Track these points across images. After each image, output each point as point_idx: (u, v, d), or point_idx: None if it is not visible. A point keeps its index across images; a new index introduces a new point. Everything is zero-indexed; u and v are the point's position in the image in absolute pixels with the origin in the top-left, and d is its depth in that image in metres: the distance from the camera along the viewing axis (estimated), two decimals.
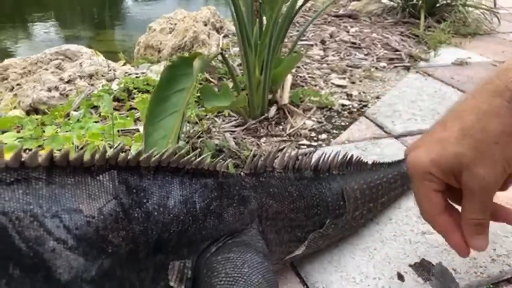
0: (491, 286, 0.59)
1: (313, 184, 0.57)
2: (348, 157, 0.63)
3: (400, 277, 0.60)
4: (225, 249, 0.47)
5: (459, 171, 0.45)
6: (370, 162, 0.68)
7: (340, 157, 0.62)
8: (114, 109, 1.07)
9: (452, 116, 0.47)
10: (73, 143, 0.81)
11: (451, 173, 0.46)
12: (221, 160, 0.51)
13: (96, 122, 0.97)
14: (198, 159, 0.48)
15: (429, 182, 0.48)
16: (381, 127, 1.04)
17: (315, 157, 0.61)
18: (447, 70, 1.45)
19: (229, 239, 0.48)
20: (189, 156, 0.47)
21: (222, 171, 0.50)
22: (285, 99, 1.07)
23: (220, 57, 1.13)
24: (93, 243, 0.39)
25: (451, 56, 1.57)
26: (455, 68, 1.48)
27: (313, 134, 1.01)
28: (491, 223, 0.71)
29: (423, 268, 0.61)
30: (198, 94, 0.83)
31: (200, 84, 0.98)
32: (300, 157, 0.59)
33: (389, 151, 0.93)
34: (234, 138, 0.91)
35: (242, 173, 0.53)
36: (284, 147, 0.93)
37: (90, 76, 1.20)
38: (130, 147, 0.83)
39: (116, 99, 1.11)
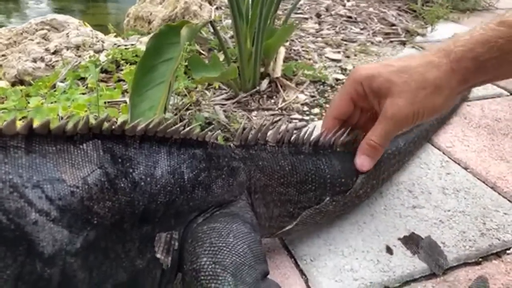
0: (480, 259, 0.59)
1: (310, 159, 0.55)
2: (356, 134, 0.60)
3: (389, 250, 0.59)
4: (211, 219, 0.46)
5: (384, 95, 0.52)
6: None
7: (345, 134, 0.59)
8: (102, 80, 1.04)
9: (411, 55, 0.55)
10: (58, 114, 0.79)
11: (377, 93, 0.53)
12: (210, 131, 0.49)
13: (83, 94, 0.94)
14: (187, 129, 0.46)
15: (353, 90, 0.55)
16: None
17: (317, 132, 0.59)
18: None
19: (217, 210, 0.47)
20: (176, 125, 0.45)
21: (211, 142, 0.49)
22: (278, 72, 1.04)
23: (211, 29, 1.10)
24: (77, 214, 0.37)
25: (448, 31, 1.54)
26: None
27: (305, 108, 0.99)
28: (482, 194, 0.71)
29: (412, 241, 0.61)
30: (187, 65, 0.81)
31: (190, 55, 0.95)
32: (297, 131, 0.57)
33: None
34: (224, 111, 0.89)
35: (231, 145, 0.52)
36: (279, 120, 0.91)
37: (77, 47, 1.16)
38: (116, 118, 0.81)
39: (104, 70, 1.08)
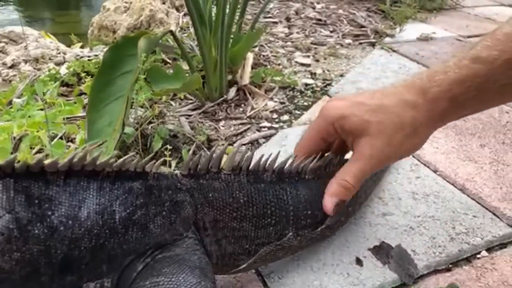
0: (450, 265, 0.58)
1: (271, 189, 0.49)
2: (329, 158, 0.54)
3: (359, 261, 0.58)
4: (154, 271, 0.40)
5: (359, 135, 0.48)
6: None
7: (316, 159, 0.53)
8: (62, 95, 1.00)
9: (383, 91, 0.50)
10: (9, 134, 0.75)
11: (351, 133, 0.49)
12: (153, 160, 0.44)
13: (41, 109, 0.90)
14: (121, 160, 0.41)
15: (324, 130, 0.52)
16: None
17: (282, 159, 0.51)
18: (412, 46, 1.43)
19: (159, 252, 0.42)
20: (108, 157, 0.40)
21: (152, 172, 0.43)
22: (246, 80, 1.02)
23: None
24: None
25: (416, 32, 1.56)
26: (420, 44, 1.46)
27: (274, 115, 0.97)
28: (451, 197, 0.71)
29: (382, 251, 0.59)
30: (146, 77, 0.78)
31: (151, 66, 0.91)
32: (262, 158, 0.50)
33: None
34: (189, 122, 0.86)
35: (178, 174, 0.46)
36: (247, 129, 0.89)
37: (36, 60, 1.12)
38: (75, 135, 0.77)
39: (64, 84, 1.04)
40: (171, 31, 0.81)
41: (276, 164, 0.50)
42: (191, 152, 0.47)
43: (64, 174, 0.38)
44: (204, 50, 0.89)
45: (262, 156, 0.50)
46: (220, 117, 0.92)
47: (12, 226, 0.35)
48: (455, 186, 0.74)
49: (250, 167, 0.49)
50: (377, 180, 0.69)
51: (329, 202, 0.50)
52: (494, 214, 0.67)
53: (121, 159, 0.41)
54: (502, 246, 0.62)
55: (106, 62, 0.73)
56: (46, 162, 0.37)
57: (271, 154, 0.51)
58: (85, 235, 0.38)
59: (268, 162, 0.50)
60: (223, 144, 0.81)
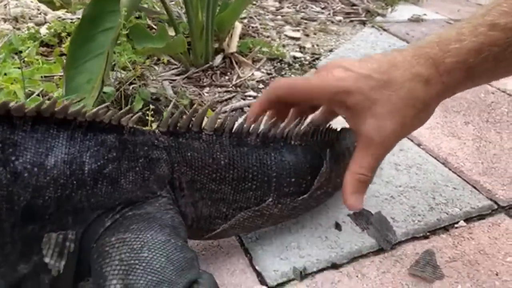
0: (428, 233, 0.58)
1: (254, 153, 0.47)
2: (316, 125, 0.52)
3: (338, 226, 0.57)
4: (121, 227, 0.39)
5: (364, 115, 0.43)
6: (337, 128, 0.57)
7: (302, 123, 0.51)
8: (42, 54, 0.96)
9: (390, 61, 0.44)
10: None
11: (353, 111, 0.44)
12: (129, 113, 0.42)
13: (19, 67, 0.86)
14: (94, 109, 0.39)
15: (318, 94, 0.46)
16: None
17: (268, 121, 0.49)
18: (403, 26, 1.42)
19: (129, 209, 0.40)
20: (81, 106, 0.38)
21: (128, 127, 0.41)
22: (233, 48, 1.00)
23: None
24: None
25: (407, 13, 1.54)
26: (411, 24, 1.45)
27: (261, 85, 0.95)
28: (433, 170, 0.71)
29: (361, 217, 0.59)
30: (128, 34, 0.75)
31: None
32: (242, 120, 0.48)
33: None
34: (173, 87, 0.84)
35: (156, 131, 0.44)
36: (232, 97, 0.87)
37: (16, 19, 1.07)
38: (53, 93, 0.75)
39: (44, 44, 1.00)
40: None
41: (261, 128, 0.48)
42: (169, 109, 0.45)
43: (32, 120, 0.36)
44: (190, 13, 0.86)
45: (245, 118, 0.48)
46: (205, 84, 0.89)
47: None
48: (438, 160, 0.74)
49: (234, 129, 0.47)
50: None
51: (353, 200, 0.46)
52: (474, 187, 0.68)
53: (95, 109, 0.39)
54: (481, 217, 0.62)
55: (86, 18, 0.70)
56: (12, 105, 0.35)
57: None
58: (50, 184, 0.36)
59: (253, 125, 0.48)
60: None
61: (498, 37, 0.40)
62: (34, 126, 0.36)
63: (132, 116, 0.42)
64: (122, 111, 0.41)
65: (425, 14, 1.54)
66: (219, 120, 0.46)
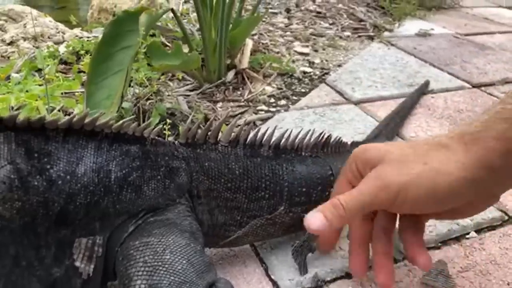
0: (440, 244, 0.59)
1: (267, 164, 0.49)
2: (325, 136, 0.54)
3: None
4: (144, 232, 0.41)
5: (375, 164, 0.42)
6: (348, 141, 0.59)
7: (315, 136, 0.53)
8: (61, 72, 1.00)
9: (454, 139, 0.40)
10: (9, 105, 0.75)
11: (369, 163, 0.43)
12: (152, 126, 0.45)
13: (39, 85, 0.90)
14: (119, 123, 0.42)
15: (349, 169, 0.45)
16: (341, 94, 1.02)
17: (279, 133, 0.51)
18: (410, 41, 1.44)
19: (151, 216, 0.43)
20: (107, 119, 0.42)
21: (150, 138, 0.44)
22: (244, 64, 1.03)
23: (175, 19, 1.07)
24: None
25: (415, 28, 1.57)
26: (418, 39, 1.47)
27: (272, 100, 0.98)
28: None
29: None
30: (146, 52, 0.78)
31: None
32: (258, 133, 0.50)
33: (347, 116, 0.91)
34: (187, 102, 0.87)
35: (176, 142, 0.47)
36: (244, 111, 0.89)
37: (35, 38, 1.12)
38: (73, 109, 0.78)
39: (63, 62, 1.04)
40: (172, 9, 0.82)
41: (273, 139, 0.51)
42: (188, 121, 0.48)
43: (64, 132, 0.39)
44: (204, 31, 0.89)
45: (259, 130, 0.50)
46: (218, 99, 0.92)
47: (14, 176, 0.36)
48: None
49: (247, 141, 0.49)
50: None
51: (311, 216, 0.43)
52: None
53: (120, 122, 0.42)
54: (491, 228, 0.63)
55: (107, 36, 0.73)
56: (47, 119, 0.38)
57: (267, 128, 0.51)
58: (81, 191, 0.39)
59: (265, 137, 0.50)
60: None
61: None
62: (65, 138, 0.39)
63: (153, 129, 0.45)
64: (143, 124, 0.44)
65: (432, 29, 1.56)
66: (233, 133, 0.49)
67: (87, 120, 0.40)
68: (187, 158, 0.46)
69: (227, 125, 0.83)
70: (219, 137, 0.48)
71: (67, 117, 0.39)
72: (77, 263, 0.39)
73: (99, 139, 0.41)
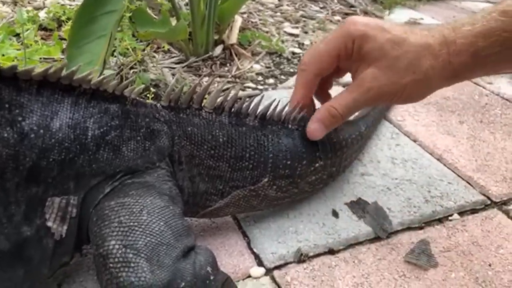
0: (423, 224, 0.59)
1: (252, 133, 0.48)
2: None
3: (335, 213, 0.58)
4: (121, 192, 0.39)
5: (368, 63, 0.46)
6: None
7: (299, 108, 0.52)
8: (41, 38, 0.95)
9: (410, 28, 0.47)
10: None
11: (362, 57, 0.46)
12: (132, 84, 0.43)
13: (17, 49, 0.85)
14: (99, 78, 0.40)
15: (344, 46, 0.47)
16: None
17: (266, 103, 0.50)
18: None
19: (128, 178, 0.41)
20: (86, 73, 0.39)
21: (131, 98, 0.42)
22: (233, 39, 1.00)
23: None
24: None
25: (404, 16, 1.57)
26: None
27: (260, 78, 0.96)
28: (428, 165, 0.72)
29: (358, 206, 0.60)
30: (131, 17, 0.75)
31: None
32: (246, 101, 0.49)
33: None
34: (172, 74, 0.84)
35: (158, 105, 0.45)
36: (232, 86, 0.87)
37: (15, 2, 1.06)
38: None
39: (43, 28, 0.99)
40: None
41: (260, 109, 0.49)
42: (172, 82, 0.45)
43: (38, 84, 0.37)
44: (193, 2, 0.86)
45: (246, 98, 0.49)
46: (204, 73, 0.90)
47: None
48: (433, 156, 0.75)
49: (233, 109, 0.48)
50: (363, 145, 0.69)
51: (314, 127, 0.48)
52: (468, 183, 0.69)
53: (100, 77, 0.40)
54: (474, 211, 0.63)
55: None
56: (20, 69, 0.35)
57: (254, 97, 0.50)
58: (55, 147, 0.37)
59: (252, 106, 0.49)
60: (205, 99, 0.80)
61: (508, 23, 0.42)
62: (40, 90, 0.37)
63: (134, 88, 0.43)
64: (125, 82, 0.42)
65: (421, 18, 1.56)
66: (219, 99, 0.47)
67: (63, 73, 0.37)
68: (169, 121, 0.44)
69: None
70: (203, 102, 0.47)
71: (42, 69, 0.36)
72: (49, 223, 0.37)
73: (77, 95, 0.39)
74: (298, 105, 0.52)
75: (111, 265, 0.35)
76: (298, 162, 0.51)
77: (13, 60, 0.69)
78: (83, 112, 0.39)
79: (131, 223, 0.37)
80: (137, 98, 0.43)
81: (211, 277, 0.38)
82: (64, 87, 0.38)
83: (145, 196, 0.39)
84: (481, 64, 0.44)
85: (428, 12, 1.72)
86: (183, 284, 0.35)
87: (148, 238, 0.36)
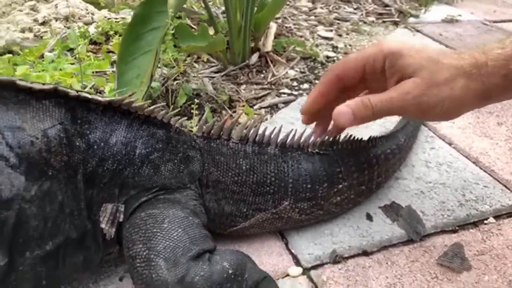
0: (457, 228, 0.60)
1: (273, 161, 0.53)
2: (336, 136, 0.57)
3: (369, 217, 0.60)
4: (151, 205, 0.46)
5: (407, 76, 0.47)
6: (365, 137, 0.60)
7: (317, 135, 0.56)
8: (91, 52, 1.03)
9: (442, 51, 0.49)
10: (43, 82, 0.78)
11: (400, 71, 0.47)
12: (178, 116, 0.51)
13: (72, 64, 0.93)
14: (152, 107, 0.48)
15: (372, 60, 0.49)
16: None
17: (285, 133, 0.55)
18: (436, 27, 1.42)
19: (162, 194, 0.48)
20: (142, 103, 0.47)
21: (175, 126, 0.50)
22: (268, 47, 1.04)
23: (203, 4, 1.09)
24: (34, 164, 0.40)
25: (441, 14, 1.54)
26: (445, 25, 1.45)
27: (294, 83, 0.99)
28: (463, 168, 0.72)
29: (392, 209, 0.62)
30: (174, 33, 0.80)
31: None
32: (267, 131, 0.54)
33: None
34: (212, 83, 0.89)
35: (194, 134, 0.52)
36: (267, 94, 0.91)
37: (66, 18, 1.15)
38: (104, 87, 0.81)
39: (93, 42, 1.07)
40: None
41: (280, 138, 0.54)
42: (206, 113, 0.52)
43: (103, 107, 0.45)
44: (229, 13, 0.90)
45: (266, 128, 0.54)
46: (242, 81, 0.94)
47: (62, 135, 0.42)
48: (469, 159, 0.75)
49: (256, 139, 0.53)
50: (403, 157, 0.70)
51: (340, 108, 0.47)
52: (505, 186, 0.69)
53: (153, 107, 0.48)
54: (510, 215, 0.64)
55: (137, 17, 0.75)
56: (94, 95, 0.45)
57: (274, 128, 0.55)
58: (110, 158, 0.45)
59: (272, 135, 0.54)
60: (243, 106, 0.84)
61: None
62: (104, 112, 0.45)
63: (179, 119, 0.51)
64: (172, 112, 0.50)
65: (459, 15, 1.53)
66: (244, 131, 0.53)
67: (125, 101, 0.46)
68: (202, 149, 0.51)
69: (250, 107, 0.85)
70: (231, 133, 0.53)
71: (109, 97, 0.45)
72: (102, 225, 0.45)
73: (132, 118, 0.47)
74: (317, 132, 0.56)
75: (137, 264, 0.42)
76: (319, 185, 0.54)
77: (72, 76, 0.76)
78: (135, 133, 0.47)
79: (154, 230, 0.44)
80: (180, 127, 0.51)
81: (230, 271, 0.42)
82: (123, 111, 0.46)
83: (169, 209, 0.46)
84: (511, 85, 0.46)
85: (467, 8, 1.68)
86: (197, 278, 0.41)
87: (168, 242, 0.43)
